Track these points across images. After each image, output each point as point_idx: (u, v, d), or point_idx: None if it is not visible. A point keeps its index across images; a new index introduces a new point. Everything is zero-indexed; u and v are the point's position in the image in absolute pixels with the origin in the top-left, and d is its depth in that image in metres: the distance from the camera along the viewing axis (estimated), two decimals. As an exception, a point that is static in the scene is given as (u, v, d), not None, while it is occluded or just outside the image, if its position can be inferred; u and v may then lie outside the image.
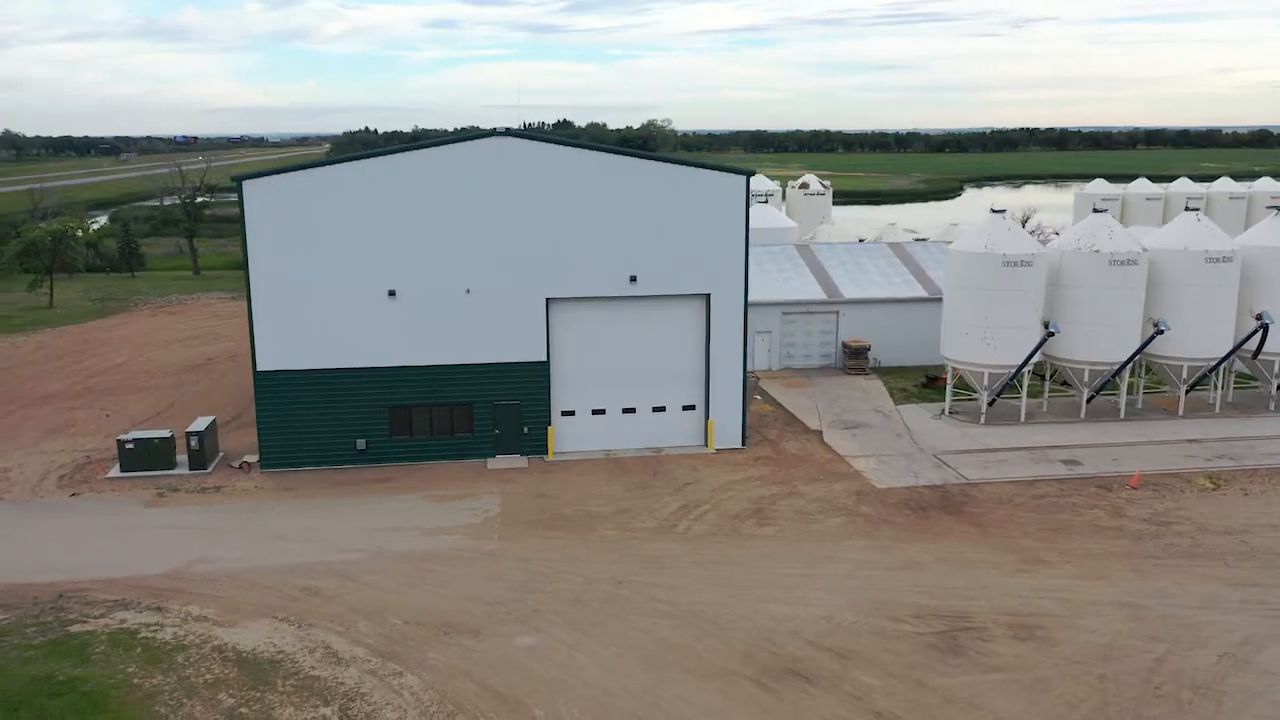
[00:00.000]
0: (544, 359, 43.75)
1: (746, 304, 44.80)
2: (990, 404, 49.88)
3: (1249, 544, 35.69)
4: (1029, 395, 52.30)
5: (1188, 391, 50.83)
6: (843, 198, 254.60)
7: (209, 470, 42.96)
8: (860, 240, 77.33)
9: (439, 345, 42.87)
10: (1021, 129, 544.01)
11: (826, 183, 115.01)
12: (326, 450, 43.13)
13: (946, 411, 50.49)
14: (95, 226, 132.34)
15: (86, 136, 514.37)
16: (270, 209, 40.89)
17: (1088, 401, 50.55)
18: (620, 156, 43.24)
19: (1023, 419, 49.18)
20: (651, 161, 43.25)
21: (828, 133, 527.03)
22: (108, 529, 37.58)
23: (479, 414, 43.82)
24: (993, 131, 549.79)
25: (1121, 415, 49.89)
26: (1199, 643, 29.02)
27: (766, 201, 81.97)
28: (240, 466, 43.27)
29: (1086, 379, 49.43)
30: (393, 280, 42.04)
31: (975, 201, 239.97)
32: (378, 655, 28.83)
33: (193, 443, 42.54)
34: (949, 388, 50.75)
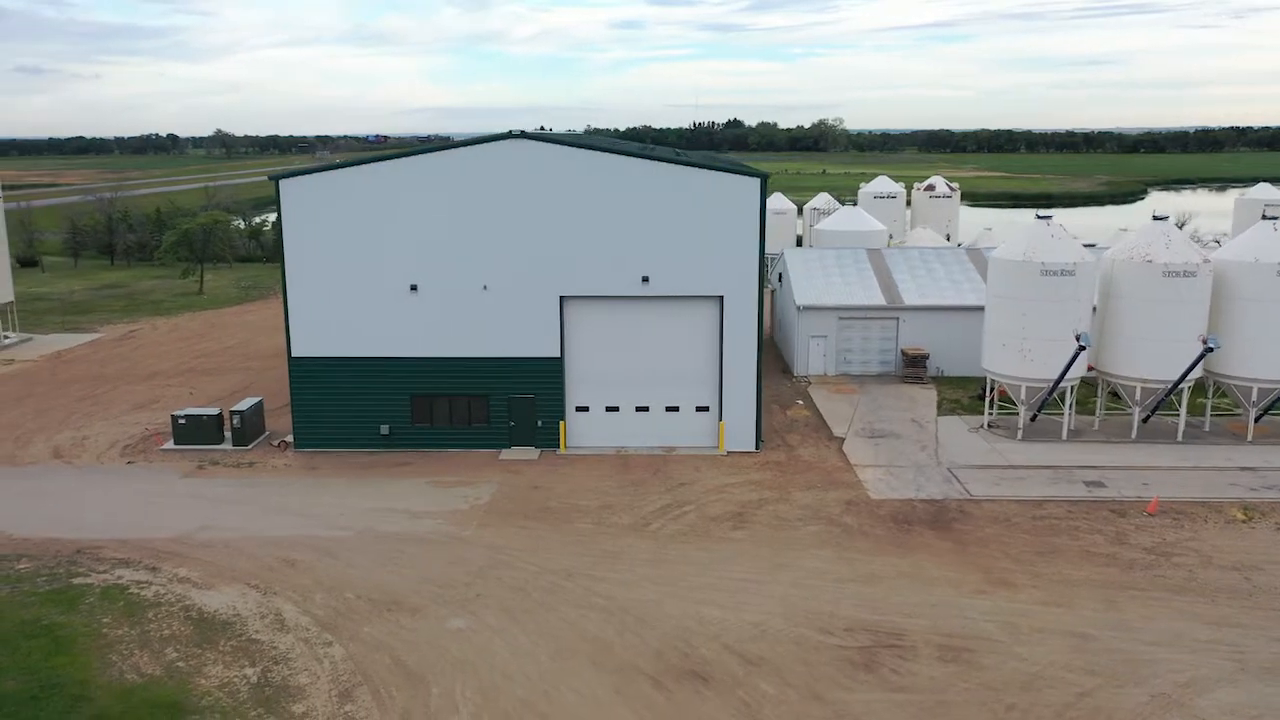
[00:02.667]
0: (558, 355, 44.99)
1: (761, 307, 44.61)
2: (1032, 419, 47.66)
3: (1252, 581, 32.99)
4: (1085, 412, 49.75)
5: (1259, 416, 46.90)
6: (1010, 200, 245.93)
7: (250, 447, 46.50)
8: (959, 245, 74.79)
9: (458, 339, 44.81)
10: (1230, 128, 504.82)
11: (954, 184, 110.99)
12: (354, 434, 45.86)
13: (986, 425, 48.54)
14: (259, 219, 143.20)
15: (291, 136, 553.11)
16: (304, 206, 43.89)
17: (1143, 421, 47.47)
18: (633, 159, 43.87)
19: (1065, 436, 46.69)
20: (664, 164, 43.67)
21: (1009, 132, 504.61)
22: (142, 495, 41.42)
23: (495, 406, 45.53)
24: (1197, 131, 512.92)
25: (1179, 437, 46.58)
26: (1138, 680, 27.30)
27: (856, 204, 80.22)
28: (279, 445, 46.63)
29: (1139, 397, 46.43)
30: (415, 275, 44.28)
31: (1159, 206, 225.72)
32: (319, 626, 30.84)
33: (235, 421, 46.16)
34: (987, 400, 48.78)
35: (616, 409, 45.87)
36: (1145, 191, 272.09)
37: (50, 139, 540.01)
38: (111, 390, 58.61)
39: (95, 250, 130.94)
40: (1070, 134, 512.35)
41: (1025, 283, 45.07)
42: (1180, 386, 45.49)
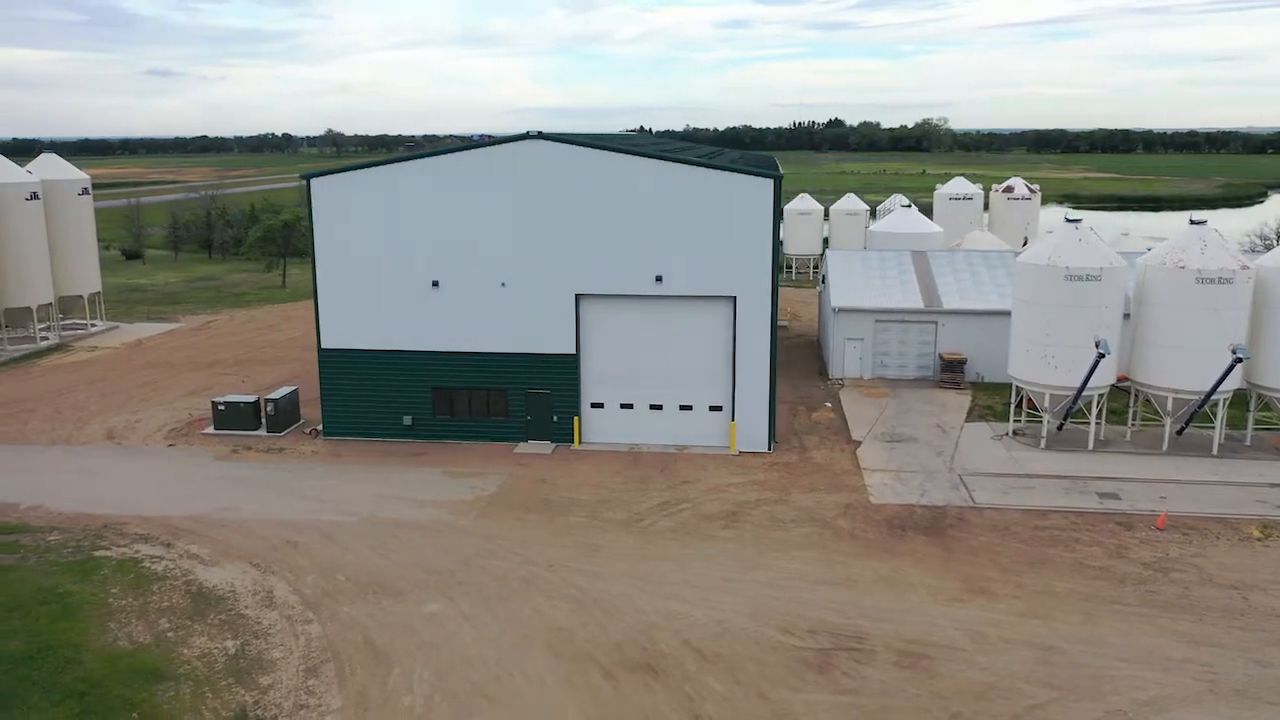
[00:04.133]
0: (573, 352, 45.80)
1: (775, 308, 44.57)
2: (1059, 428, 46.43)
3: (1249, 601, 31.69)
4: (1117, 422, 48.23)
5: (1305, 430, 44.74)
6: (1116, 203, 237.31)
7: (283, 433, 48.66)
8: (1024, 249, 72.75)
9: (477, 334, 46.04)
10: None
11: (1034, 186, 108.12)
12: (378, 423, 47.52)
13: (1010, 433, 47.47)
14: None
15: (399, 135, 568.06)
16: (333, 204, 45.77)
17: (1178, 433, 45.76)
18: (646, 159, 44.26)
19: (1091, 446, 45.35)
20: (677, 164, 43.97)
21: (1125, 132, 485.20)
22: (175, 476, 43.82)
23: (513, 400, 46.61)
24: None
25: (1214, 451, 44.74)
26: (1095, 695, 26.64)
27: (911, 206, 78.87)
28: (310, 433, 48.67)
29: (1170, 408, 44.78)
30: (436, 271, 45.67)
31: (1278, 209, 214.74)
32: (304, 604, 32.31)
33: (269, 408, 48.36)
34: (1013, 408, 47.69)
35: (631, 406, 46.44)
36: (1265, 194, 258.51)
37: (176, 138, 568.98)
38: (174, 376, 61.86)
39: (195, 244, 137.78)
40: (1192, 134, 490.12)
41: (1049, 287, 43.96)
42: (1214, 398, 43.71)
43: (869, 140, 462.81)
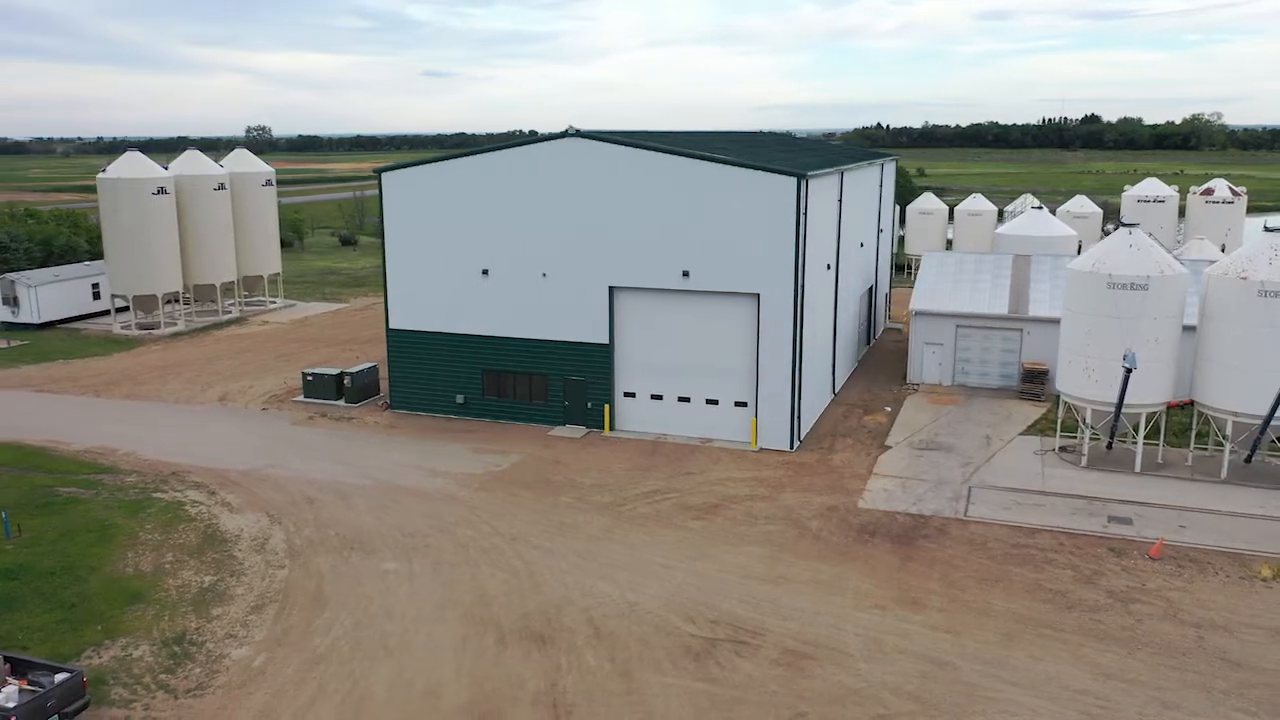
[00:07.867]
0: (607, 342, 47.57)
1: (799, 306, 44.42)
2: (1108, 447, 43.42)
3: (1204, 642, 29.09)
4: (1183, 445, 44.44)
5: (1397, 468, 39.50)
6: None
7: (358, 405, 53.45)
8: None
9: (521, 321, 48.76)
10: None
11: (1240, 189, 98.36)
12: (436, 400, 51.31)
13: (1056, 449, 44.79)
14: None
15: (645, 130, 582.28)
16: (400, 196, 49.84)
17: (1245, 461, 41.66)
18: (676, 156, 45.10)
19: (1138, 468, 42.10)
20: (705, 162, 44.56)
21: None
22: (251, 435, 49.38)
23: (553, 386, 48.98)
24: None
25: (1282, 483, 40.43)
26: (957, 714, 25.76)
27: (1041, 208, 74.16)
28: (381, 405, 53.21)
29: (1230, 432, 40.84)
30: (486, 261, 48.77)
31: None
32: (288, 553, 36.17)
33: (346, 381, 53.28)
34: (1059, 423, 44.91)
35: (660, 397, 47.66)
36: None
37: (437, 134, 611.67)
38: (310, 350, 68.74)
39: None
40: None
41: (1092, 296, 41.28)
42: (1274, 423, 39.50)
43: (1127, 138, 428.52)
